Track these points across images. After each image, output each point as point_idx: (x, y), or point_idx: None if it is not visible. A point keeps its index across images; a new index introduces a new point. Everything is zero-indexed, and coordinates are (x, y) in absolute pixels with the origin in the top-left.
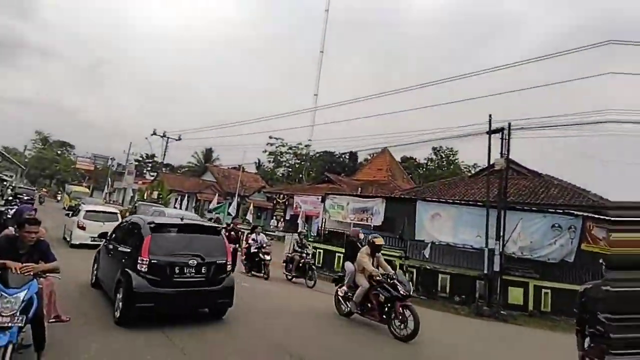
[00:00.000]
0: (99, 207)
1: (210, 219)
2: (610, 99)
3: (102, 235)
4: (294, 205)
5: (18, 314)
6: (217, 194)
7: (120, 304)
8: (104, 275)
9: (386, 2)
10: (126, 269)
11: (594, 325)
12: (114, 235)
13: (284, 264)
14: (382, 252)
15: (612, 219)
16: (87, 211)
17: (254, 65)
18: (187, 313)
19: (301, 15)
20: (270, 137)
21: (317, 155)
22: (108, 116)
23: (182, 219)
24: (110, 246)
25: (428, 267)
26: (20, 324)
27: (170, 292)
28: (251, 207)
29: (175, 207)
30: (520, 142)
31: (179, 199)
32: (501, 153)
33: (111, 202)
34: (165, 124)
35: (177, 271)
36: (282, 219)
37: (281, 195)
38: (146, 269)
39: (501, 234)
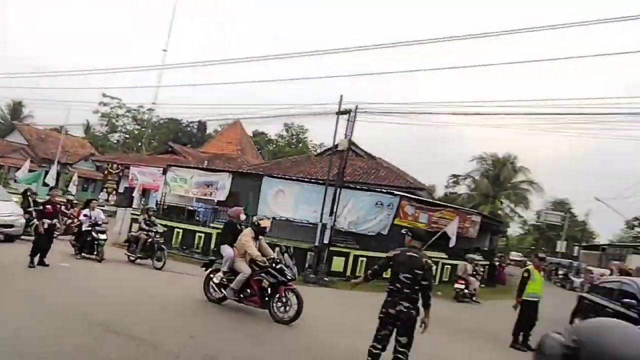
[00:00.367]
0: None
1: (25, 192)
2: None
3: None
4: (130, 177)
5: None
6: (28, 160)
7: None
8: None
9: None
10: None
11: (393, 283)
12: None
13: (127, 244)
14: None
15: (420, 198)
16: None
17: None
18: None
19: None
20: (105, 96)
21: (161, 122)
22: None
23: None
24: None
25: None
26: None
27: None
28: (75, 177)
29: None
30: (362, 125)
31: None
32: (345, 134)
33: None
34: None
35: None
36: (114, 192)
37: (114, 165)
38: None
39: (335, 210)
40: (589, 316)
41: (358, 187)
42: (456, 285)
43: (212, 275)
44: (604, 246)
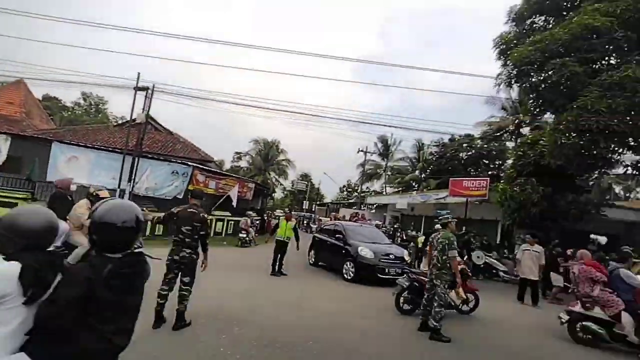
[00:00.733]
0: None
1: None
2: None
3: None
4: None
5: None
6: None
7: None
8: None
9: None
10: None
11: (177, 235)
12: None
13: None
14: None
15: (209, 169)
16: None
17: None
18: None
19: None
20: None
21: None
22: None
23: None
24: None
25: None
26: None
27: None
28: None
29: None
30: (162, 103)
31: None
32: (143, 109)
33: None
34: None
35: None
36: None
37: None
38: None
39: (133, 177)
40: (319, 248)
41: (156, 157)
42: (240, 235)
43: None
44: (329, 203)
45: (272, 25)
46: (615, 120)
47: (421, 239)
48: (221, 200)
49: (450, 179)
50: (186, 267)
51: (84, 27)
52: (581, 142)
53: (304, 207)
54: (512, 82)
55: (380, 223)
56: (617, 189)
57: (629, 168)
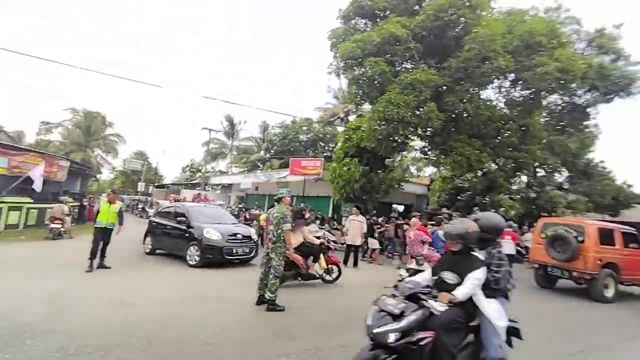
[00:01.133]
0: None
1: None
2: None
3: None
4: None
5: None
6: None
7: None
8: None
9: None
10: None
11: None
12: None
13: None
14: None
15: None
16: None
17: None
18: None
19: None
20: None
21: None
22: None
23: None
24: None
25: None
26: None
27: None
28: None
29: None
30: None
31: None
32: None
33: None
34: None
35: None
36: None
37: None
38: None
39: None
40: (157, 233)
41: None
42: (52, 226)
43: None
44: (168, 185)
45: None
46: (409, 113)
47: (264, 216)
48: (17, 182)
49: (291, 158)
50: None
51: None
52: (388, 130)
53: (139, 190)
54: (340, 73)
55: (224, 203)
56: (412, 168)
57: (418, 152)
